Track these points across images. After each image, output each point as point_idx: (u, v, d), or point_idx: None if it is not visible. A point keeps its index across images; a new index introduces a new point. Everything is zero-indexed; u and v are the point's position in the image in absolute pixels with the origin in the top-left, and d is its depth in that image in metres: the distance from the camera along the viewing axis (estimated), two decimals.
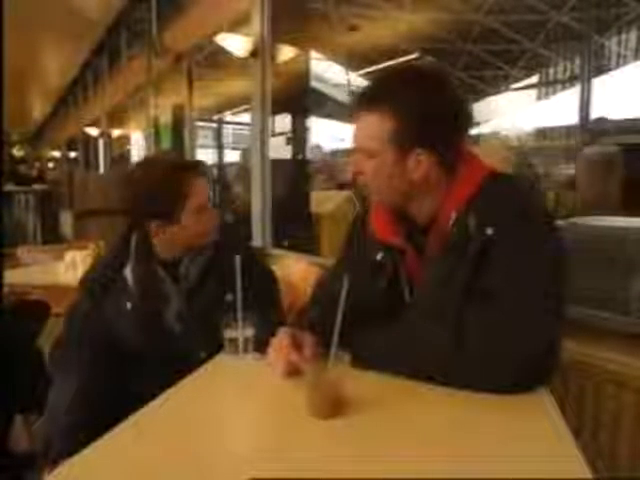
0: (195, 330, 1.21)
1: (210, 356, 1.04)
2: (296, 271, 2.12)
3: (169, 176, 1.18)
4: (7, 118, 10.55)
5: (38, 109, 12.68)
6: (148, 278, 1.22)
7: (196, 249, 1.24)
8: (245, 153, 7.93)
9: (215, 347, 1.05)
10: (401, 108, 0.92)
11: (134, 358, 1.20)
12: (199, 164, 1.28)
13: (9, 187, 6.89)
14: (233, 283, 1.04)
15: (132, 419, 0.78)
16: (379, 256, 1.03)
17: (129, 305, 1.19)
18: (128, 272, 1.22)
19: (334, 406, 0.77)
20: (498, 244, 0.88)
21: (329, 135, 15.15)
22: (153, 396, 0.85)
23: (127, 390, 1.15)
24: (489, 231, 0.88)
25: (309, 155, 4.34)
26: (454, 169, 0.97)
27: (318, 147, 11.08)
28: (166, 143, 5.52)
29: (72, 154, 12.43)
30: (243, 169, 5.98)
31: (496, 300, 0.84)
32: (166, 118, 5.41)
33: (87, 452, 0.70)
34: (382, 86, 0.98)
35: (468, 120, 1.00)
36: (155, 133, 5.62)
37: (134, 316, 1.19)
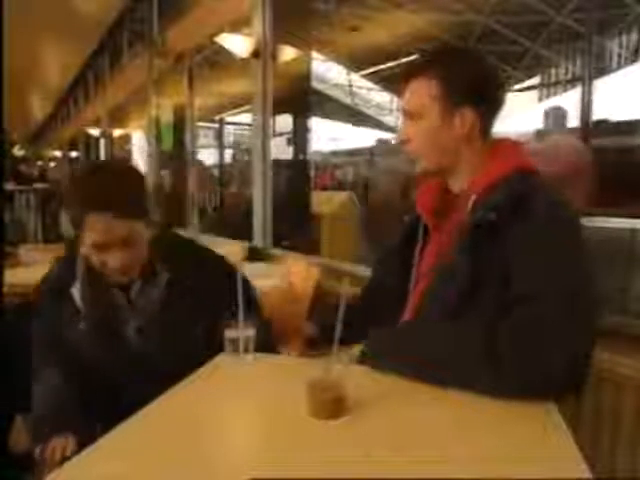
0: (160, 343, 1.13)
1: (186, 369, 0.95)
2: (296, 271, 2.12)
3: (71, 199, 1.08)
4: (8, 118, 10.56)
5: (39, 109, 12.70)
6: (98, 300, 1.13)
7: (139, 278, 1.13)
8: (236, 154, 7.93)
9: (192, 360, 0.97)
10: (446, 69, 0.99)
11: (95, 371, 1.14)
12: (103, 199, 1.02)
13: (10, 186, 6.90)
14: (207, 304, 1.05)
15: (132, 420, 0.78)
16: (407, 217, 1.13)
17: (82, 325, 1.13)
18: (75, 292, 1.14)
19: (336, 407, 0.77)
20: (527, 242, 0.86)
21: (330, 135, 15.16)
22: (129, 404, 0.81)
23: (98, 394, 1.11)
24: (492, 216, 0.89)
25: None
26: (491, 144, 1.00)
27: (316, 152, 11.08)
28: (167, 143, 5.50)
29: (73, 154, 12.45)
30: (236, 169, 5.97)
31: (531, 305, 0.82)
32: (167, 118, 5.40)
33: (86, 453, 0.70)
34: (427, 55, 1.09)
35: (503, 96, 1.03)
36: (156, 133, 5.61)
37: (88, 335, 1.13)
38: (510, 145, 1.02)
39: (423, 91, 0.99)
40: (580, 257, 0.88)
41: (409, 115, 1.02)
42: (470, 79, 0.98)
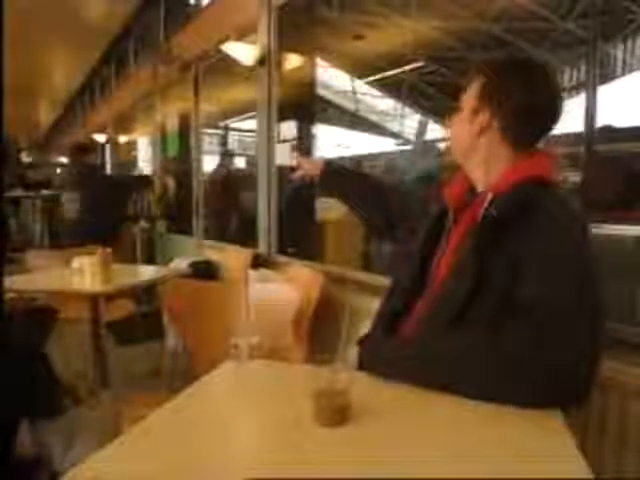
0: None
1: None
2: (301, 279, 2.13)
3: None
4: (16, 124, 10.64)
5: (47, 115, 12.80)
6: None
7: None
8: (224, 159, 7.92)
9: None
10: (497, 74, 1.06)
11: None
12: None
13: (17, 192, 6.94)
14: None
15: (140, 425, 0.79)
16: (434, 210, 1.17)
17: None
18: None
19: (341, 414, 0.78)
20: (532, 249, 0.89)
21: (334, 142, 15.18)
22: None
23: None
24: (494, 212, 0.95)
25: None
26: (523, 154, 1.04)
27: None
28: (173, 150, 5.52)
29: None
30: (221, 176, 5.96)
31: (534, 311, 0.84)
32: (173, 125, 5.43)
33: (94, 457, 0.71)
34: (503, 60, 1.12)
35: (553, 117, 1.06)
36: (162, 140, 5.63)
37: None
38: (540, 157, 1.05)
39: (472, 87, 1.08)
40: (585, 262, 0.90)
41: (458, 107, 1.11)
42: (511, 86, 1.03)
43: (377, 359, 0.96)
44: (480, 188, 1.08)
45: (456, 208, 1.10)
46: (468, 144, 1.08)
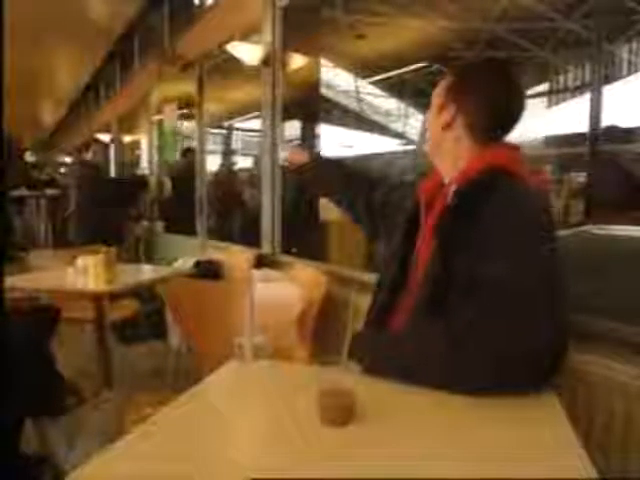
0: None
1: None
2: (305, 278, 2.13)
3: None
4: (20, 123, 10.68)
5: (51, 115, 12.84)
6: None
7: None
8: (227, 159, 7.90)
9: None
10: (464, 72, 1.15)
11: None
12: None
13: (21, 192, 6.96)
14: None
15: (144, 425, 0.79)
16: (408, 203, 1.21)
17: None
18: None
19: (346, 414, 0.78)
20: (491, 235, 0.91)
21: (338, 142, 15.18)
22: None
23: None
24: (453, 202, 1.01)
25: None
26: (484, 146, 1.08)
27: None
28: (170, 149, 5.49)
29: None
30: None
31: (491, 297, 0.86)
32: (172, 125, 5.39)
33: (98, 457, 0.71)
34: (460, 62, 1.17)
35: (514, 113, 1.10)
36: (159, 139, 5.61)
37: None
38: (503, 149, 1.09)
39: (440, 85, 1.15)
40: (537, 248, 0.91)
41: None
42: (474, 85, 1.10)
43: (358, 354, 0.99)
44: (447, 180, 1.13)
45: (427, 201, 1.14)
46: (435, 139, 1.15)
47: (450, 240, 0.97)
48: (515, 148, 1.10)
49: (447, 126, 1.11)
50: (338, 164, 1.67)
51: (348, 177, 1.58)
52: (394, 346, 0.96)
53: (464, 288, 0.90)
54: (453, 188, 1.06)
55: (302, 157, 1.67)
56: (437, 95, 1.15)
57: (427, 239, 1.08)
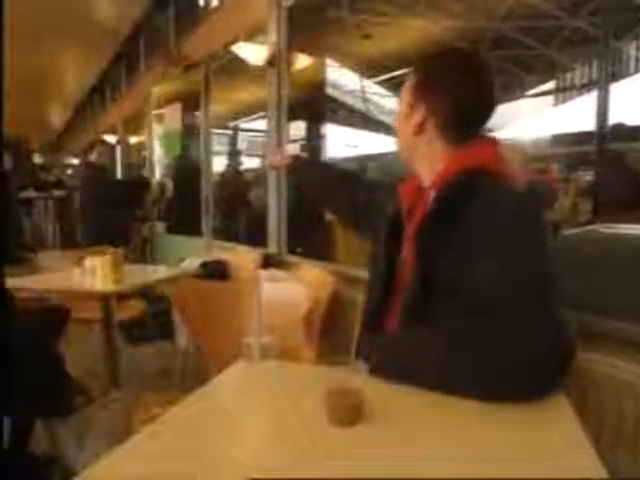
0: None
1: None
2: (311, 278, 2.13)
3: None
4: (28, 125, 10.75)
5: (58, 117, 12.92)
6: None
7: None
8: (233, 159, 7.89)
9: None
10: (428, 68, 1.08)
11: None
12: None
13: (29, 193, 7.01)
14: None
15: (152, 425, 0.79)
16: (390, 209, 1.16)
17: None
18: None
19: (355, 414, 0.77)
20: (476, 237, 0.89)
21: (344, 141, 15.16)
22: None
23: None
24: (434, 206, 0.98)
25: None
26: (459, 146, 1.03)
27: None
28: (172, 151, 5.50)
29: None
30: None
31: (480, 299, 0.85)
32: (175, 126, 5.39)
33: (106, 458, 0.71)
34: (433, 55, 1.12)
35: (485, 109, 1.05)
36: (161, 141, 5.61)
37: None
38: (479, 147, 1.04)
39: (407, 85, 1.10)
40: (529, 248, 0.88)
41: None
42: (441, 83, 1.04)
43: (363, 355, 0.97)
44: (426, 184, 1.09)
45: (409, 207, 1.11)
46: (408, 142, 1.10)
47: (432, 246, 0.94)
48: (492, 144, 1.05)
49: (419, 130, 1.05)
50: (320, 165, 1.66)
51: (330, 178, 1.55)
52: (391, 348, 0.94)
53: (451, 291, 0.89)
54: (433, 194, 1.03)
55: (282, 159, 1.68)
56: (405, 97, 1.09)
57: (410, 244, 1.06)
